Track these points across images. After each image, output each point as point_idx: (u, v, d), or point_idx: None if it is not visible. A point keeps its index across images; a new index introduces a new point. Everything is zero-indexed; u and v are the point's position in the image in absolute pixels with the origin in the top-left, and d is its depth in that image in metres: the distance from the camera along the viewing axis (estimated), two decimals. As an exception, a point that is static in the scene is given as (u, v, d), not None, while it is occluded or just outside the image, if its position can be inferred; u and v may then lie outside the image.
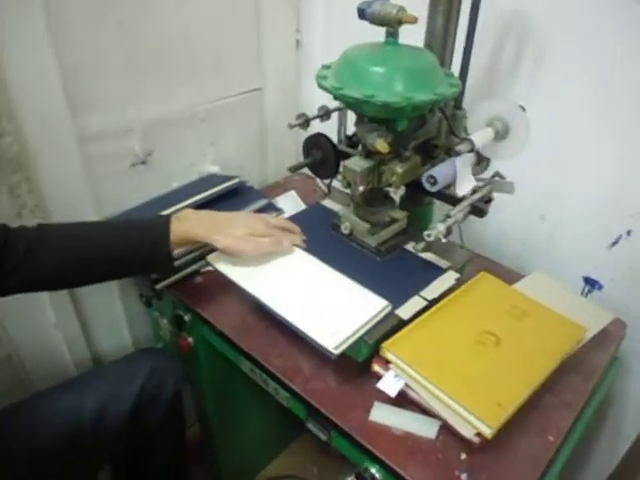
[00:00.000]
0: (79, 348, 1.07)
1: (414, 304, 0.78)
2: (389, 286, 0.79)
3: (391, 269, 0.86)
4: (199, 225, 0.80)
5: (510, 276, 0.94)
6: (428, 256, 0.87)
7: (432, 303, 0.79)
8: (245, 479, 1.40)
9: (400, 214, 0.87)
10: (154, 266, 0.82)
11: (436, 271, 0.84)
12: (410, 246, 0.89)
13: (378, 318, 0.74)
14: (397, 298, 0.78)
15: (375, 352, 0.75)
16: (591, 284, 1.00)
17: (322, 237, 0.92)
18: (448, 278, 0.83)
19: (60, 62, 0.84)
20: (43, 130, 0.85)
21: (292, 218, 0.97)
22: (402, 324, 0.76)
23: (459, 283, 0.84)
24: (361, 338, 0.72)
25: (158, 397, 0.91)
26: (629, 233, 0.91)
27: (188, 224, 0.79)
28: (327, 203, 1.03)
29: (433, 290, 0.81)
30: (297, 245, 0.86)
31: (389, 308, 0.75)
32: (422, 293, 0.80)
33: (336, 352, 0.67)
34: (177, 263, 0.89)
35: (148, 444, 0.95)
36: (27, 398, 0.85)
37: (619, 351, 0.88)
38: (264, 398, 0.93)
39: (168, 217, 0.79)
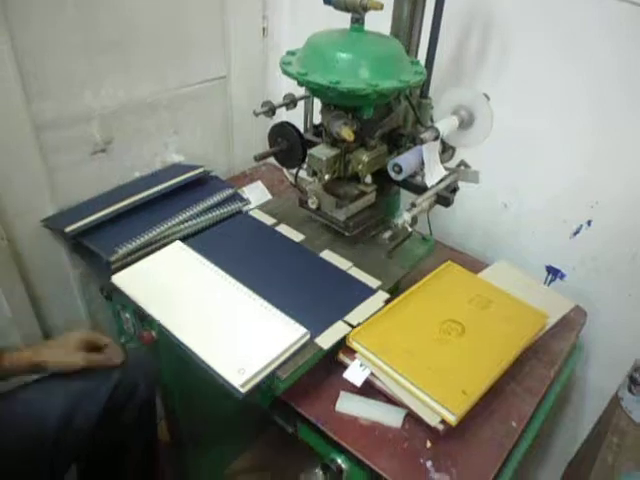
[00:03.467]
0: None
1: (336, 331, 0.72)
2: (313, 307, 0.75)
3: (317, 288, 0.80)
4: None
5: (475, 265, 0.95)
6: (358, 273, 0.83)
7: (354, 327, 0.74)
8: (214, 473, 1.39)
9: (369, 187, 0.86)
10: None
11: (365, 291, 0.79)
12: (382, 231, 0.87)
13: (295, 348, 0.68)
14: (319, 323, 0.72)
15: (290, 386, 0.69)
16: (553, 273, 1.02)
17: (252, 252, 0.87)
18: (376, 300, 0.78)
19: (14, 44, 0.80)
20: (-6, 116, 0.81)
21: (220, 227, 0.94)
22: (322, 354, 0.70)
23: (424, 272, 0.85)
24: (273, 374, 0.66)
25: (132, 397, 0.87)
26: (589, 223, 0.93)
27: None
28: (255, 213, 0.98)
29: (359, 314, 0.75)
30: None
31: (307, 337, 0.69)
32: (346, 318, 0.74)
33: (243, 391, 0.62)
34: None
35: (119, 444, 0.92)
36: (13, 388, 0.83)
37: (580, 338, 0.90)
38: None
39: None
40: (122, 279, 0.78)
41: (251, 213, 0.98)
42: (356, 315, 0.75)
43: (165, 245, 0.88)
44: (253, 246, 0.89)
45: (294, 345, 0.68)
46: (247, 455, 1.46)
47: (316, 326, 0.71)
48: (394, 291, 0.81)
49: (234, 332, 0.70)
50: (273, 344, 0.67)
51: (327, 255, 0.87)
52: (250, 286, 0.77)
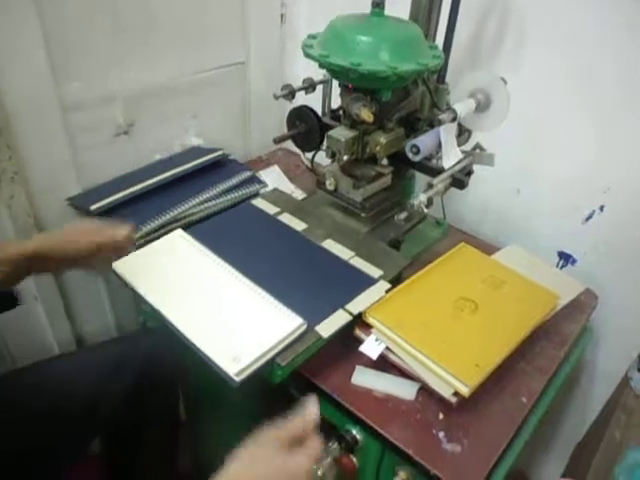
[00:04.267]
0: (61, 325, 1.06)
1: (337, 319, 0.73)
2: (313, 296, 0.76)
3: (319, 277, 0.81)
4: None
5: (488, 249, 0.96)
6: (360, 263, 0.83)
7: (357, 318, 0.74)
8: (226, 452, 1.42)
9: (386, 169, 0.88)
10: None
11: (366, 280, 0.79)
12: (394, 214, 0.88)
13: (291, 338, 0.68)
14: (320, 311, 0.73)
15: (292, 372, 0.70)
16: (565, 258, 1.03)
17: (253, 241, 0.87)
18: (378, 289, 0.78)
19: (44, 28, 0.83)
20: (25, 96, 0.84)
21: (221, 216, 0.95)
22: (323, 343, 0.71)
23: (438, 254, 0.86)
24: (273, 360, 0.67)
25: (158, 379, 0.89)
26: (602, 209, 0.95)
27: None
28: (258, 202, 0.98)
29: (360, 303, 0.75)
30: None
31: (304, 327, 0.69)
32: (347, 306, 0.74)
33: (237, 379, 0.63)
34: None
35: (142, 423, 0.95)
36: (34, 363, 0.85)
37: (590, 321, 0.92)
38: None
39: None
40: (123, 265, 0.78)
41: (254, 202, 0.98)
42: (357, 303, 0.75)
43: (185, 226, 0.91)
44: (254, 235, 0.89)
45: (290, 335, 0.68)
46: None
47: (315, 314, 0.72)
48: (396, 281, 0.81)
49: (231, 321, 0.70)
50: (269, 333, 0.67)
51: (329, 245, 0.87)
52: (249, 275, 0.77)
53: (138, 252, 0.82)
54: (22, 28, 0.80)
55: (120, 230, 0.76)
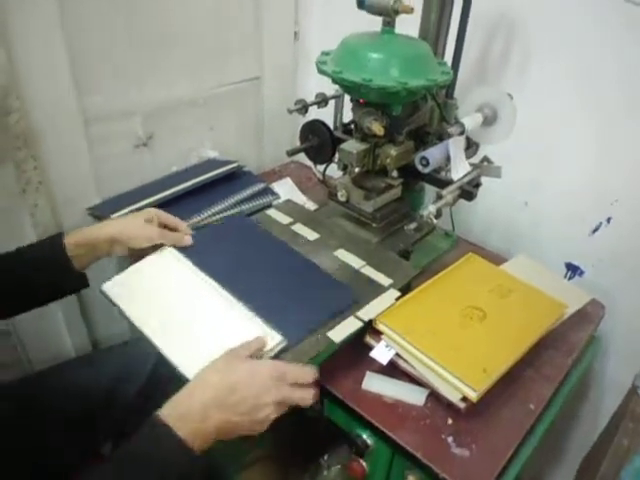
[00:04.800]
0: (78, 329, 1.09)
1: (349, 325, 0.74)
2: (293, 311, 0.76)
3: (301, 289, 0.81)
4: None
5: (496, 259, 0.98)
6: (371, 272, 0.85)
7: (368, 324, 0.76)
8: (236, 460, 1.43)
9: (396, 181, 0.90)
10: (60, 275, 0.77)
11: (377, 289, 0.81)
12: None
13: (270, 355, 0.69)
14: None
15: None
16: (573, 270, 1.05)
17: (244, 256, 0.87)
18: (388, 297, 0.79)
19: (68, 43, 0.87)
20: (49, 109, 0.88)
21: (212, 229, 0.95)
22: (334, 347, 0.72)
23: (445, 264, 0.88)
24: None
25: (169, 380, 0.92)
26: (609, 220, 0.96)
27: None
28: (272, 213, 0.99)
29: (370, 310, 0.77)
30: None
31: (283, 344, 0.70)
32: (359, 313, 0.76)
33: None
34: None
35: None
36: (54, 366, 0.88)
37: (598, 331, 0.93)
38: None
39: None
40: (111, 286, 0.80)
41: (268, 212, 1.00)
42: (368, 310, 0.77)
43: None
44: (246, 249, 0.89)
45: (269, 352, 0.69)
46: (265, 445, 1.49)
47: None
48: (406, 290, 0.83)
49: (211, 340, 0.70)
50: None
51: (341, 254, 0.89)
52: (235, 292, 0.77)
53: (126, 271, 0.83)
54: (49, 45, 0.85)
55: (182, 238, 0.85)
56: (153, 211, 0.85)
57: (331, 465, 0.83)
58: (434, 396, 0.73)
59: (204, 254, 0.85)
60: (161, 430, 0.56)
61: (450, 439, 0.69)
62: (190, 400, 0.59)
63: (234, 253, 0.87)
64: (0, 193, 0.88)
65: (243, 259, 0.86)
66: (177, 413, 0.58)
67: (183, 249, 0.86)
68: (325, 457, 0.89)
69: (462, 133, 0.75)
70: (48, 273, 0.76)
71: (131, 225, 0.81)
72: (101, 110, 0.97)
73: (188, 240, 0.85)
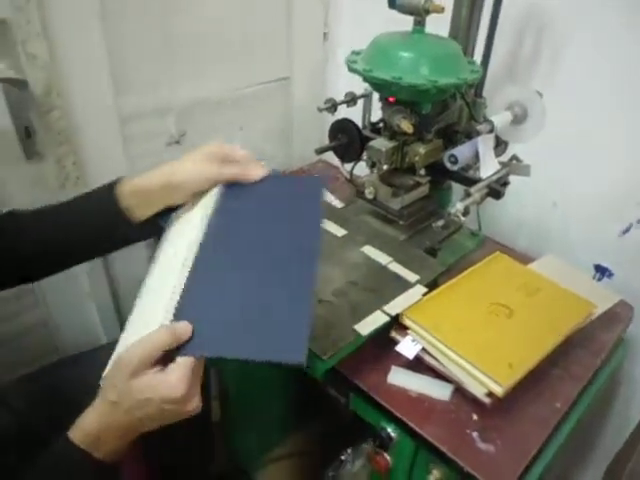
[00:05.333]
0: (109, 318, 1.13)
1: (375, 319, 0.75)
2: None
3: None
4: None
5: (523, 259, 0.98)
6: (398, 268, 0.86)
7: (394, 319, 0.77)
8: (258, 456, 1.45)
9: (424, 179, 0.91)
10: (115, 223, 0.67)
11: (403, 285, 0.82)
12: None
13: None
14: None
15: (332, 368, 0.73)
16: (601, 271, 1.04)
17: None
18: (414, 293, 0.80)
19: (107, 44, 0.90)
20: (89, 107, 0.92)
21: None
22: (362, 340, 0.74)
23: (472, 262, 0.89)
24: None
25: None
26: (639, 222, 0.95)
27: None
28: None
29: (397, 305, 0.78)
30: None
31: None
32: (385, 308, 0.77)
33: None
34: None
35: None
36: (85, 351, 0.90)
37: (627, 333, 0.92)
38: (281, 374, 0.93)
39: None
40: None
41: None
42: (394, 305, 0.78)
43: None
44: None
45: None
46: (289, 441, 1.51)
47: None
48: (432, 286, 0.84)
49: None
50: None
51: (368, 250, 0.90)
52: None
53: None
54: (89, 42, 0.88)
55: (244, 171, 0.67)
56: (213, 146, 0.68)
57: (355, 459, 0.84)
58: (459, 392, 0.73)
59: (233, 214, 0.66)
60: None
61: (475, 434, 0.69)
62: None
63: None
64: (40, 187, 0.92)
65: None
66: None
67: (223, 197, 0.67)
68: (349, 451, 0.90)
69: (491, 131, 0.76)
70: (99, 224, 0.67)
71: (185, 166, 0.67)
72: (136, 108, 1.00)
73: (254, 173, 0.67)
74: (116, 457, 0.55)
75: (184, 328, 0.53)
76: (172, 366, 0.52)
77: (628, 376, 1.05)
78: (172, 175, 0.66)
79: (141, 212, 0.67)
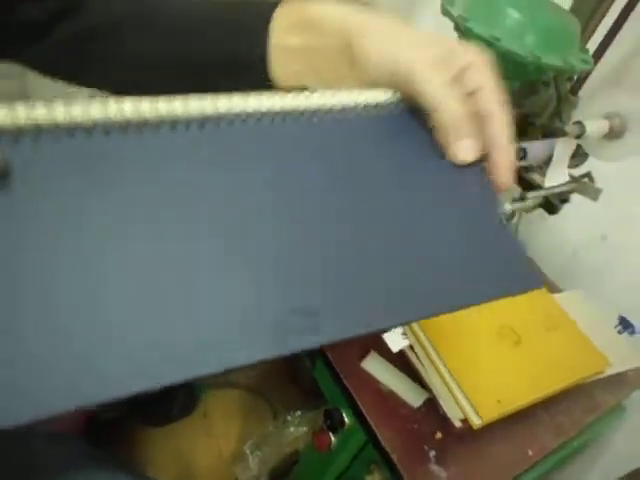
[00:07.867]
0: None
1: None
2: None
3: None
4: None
5: (550, 286, 0.88)
6: None
7: None
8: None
9: None
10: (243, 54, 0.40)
11: None
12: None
13: None
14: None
15: None
16: (625, 325, 0.94)
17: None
18: None
19: None
20: None
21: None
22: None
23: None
24: None
25: None
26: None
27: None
28: None
29: None
30: None
31: None
32: None
33: None
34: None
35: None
36: None
37: (629, 399, 0.84)
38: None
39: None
40: None
41: None
42: None
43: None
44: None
45: None
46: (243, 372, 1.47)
47: None
48: None
49: None
50: None
51: None
52: None
53: None
54: None
55: None
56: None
57: (300, 425, 0.79)
58: (432, 403, 0.66)
59: None
60: None
61: (432, 453, 0.63)
62: None
63: None
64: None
65: None
66: None
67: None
68: (297, 414, 0.85)
69: (579, 136, 0.63)
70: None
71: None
72: None
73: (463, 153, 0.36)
74: None
75: None
76: None
77: (615, 444, 0.97)
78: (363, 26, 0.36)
79: (290, 69, 0.40)
